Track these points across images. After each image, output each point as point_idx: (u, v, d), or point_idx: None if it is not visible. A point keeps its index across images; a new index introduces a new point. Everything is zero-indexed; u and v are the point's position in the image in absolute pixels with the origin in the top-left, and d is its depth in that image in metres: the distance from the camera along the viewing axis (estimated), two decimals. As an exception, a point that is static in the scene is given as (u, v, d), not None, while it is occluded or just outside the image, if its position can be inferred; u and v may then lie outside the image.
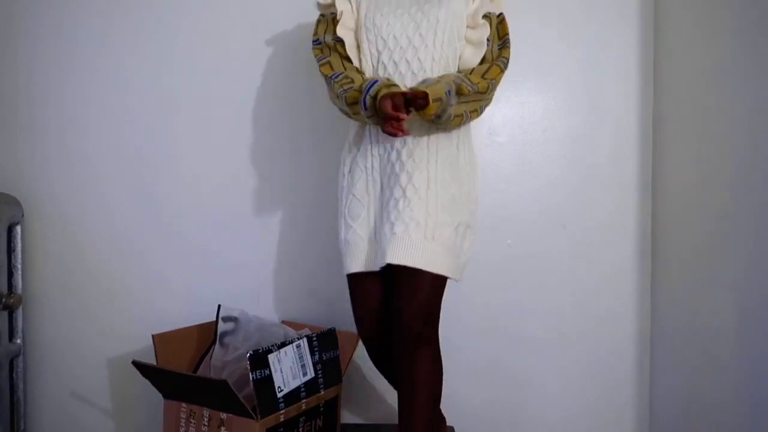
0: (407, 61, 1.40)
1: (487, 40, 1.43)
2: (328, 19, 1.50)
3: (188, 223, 1.85)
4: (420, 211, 1.33)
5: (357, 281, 1.41)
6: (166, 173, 1.85)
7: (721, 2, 1.46)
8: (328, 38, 1.48)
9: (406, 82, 1.39)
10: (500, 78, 1.42)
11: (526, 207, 1.80)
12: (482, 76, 1.40)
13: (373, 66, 1.43)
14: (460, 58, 1.43)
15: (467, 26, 1.43)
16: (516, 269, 1.80)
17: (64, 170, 1.87)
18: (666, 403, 1.72)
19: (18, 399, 1.81)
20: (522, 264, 1.80)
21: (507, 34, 1.45)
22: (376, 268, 1.35)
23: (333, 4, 1.48)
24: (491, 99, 1.44)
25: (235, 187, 1.83)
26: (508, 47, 1.45)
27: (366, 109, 1.31)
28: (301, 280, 1.83)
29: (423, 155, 1.38)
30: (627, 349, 1.80)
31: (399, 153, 1.39)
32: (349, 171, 1.47)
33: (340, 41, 1.45)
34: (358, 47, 1.46)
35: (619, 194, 1.79)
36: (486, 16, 1.44)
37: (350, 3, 1.48)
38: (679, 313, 1.64)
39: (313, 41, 1.50)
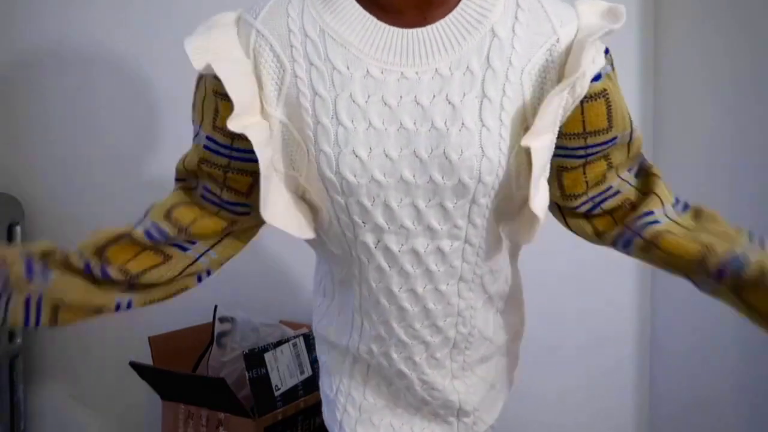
0: (416, 253, 0.72)
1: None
2: (212, 90, 0.70)
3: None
4: None
5: None
6: (165, 174, 1.85)
7: (723, 1, 1.46)
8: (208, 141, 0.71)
9: (411, 316, 0.77)
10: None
11: (525, 207, 1.79)
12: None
13: (344, 248, 0.75)
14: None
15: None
16: (515, 269, 1.80)
17: (64, 170, 1.87)
18: (666, 404, 1.72)
19: (18, 399, 1.81)
20: (521, 264, 1.79)
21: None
22: None
23: (222, 55, 0.68)
24: None
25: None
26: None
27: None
28: (300, 280, 1.82)
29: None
30: (626, 349, 1.79)
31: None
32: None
33: (239, 159, 0.72)
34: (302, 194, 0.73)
35: (619, 194, 1.78)
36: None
37: (276, 57, 0.70)
38: (679, 313, 1.63)
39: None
